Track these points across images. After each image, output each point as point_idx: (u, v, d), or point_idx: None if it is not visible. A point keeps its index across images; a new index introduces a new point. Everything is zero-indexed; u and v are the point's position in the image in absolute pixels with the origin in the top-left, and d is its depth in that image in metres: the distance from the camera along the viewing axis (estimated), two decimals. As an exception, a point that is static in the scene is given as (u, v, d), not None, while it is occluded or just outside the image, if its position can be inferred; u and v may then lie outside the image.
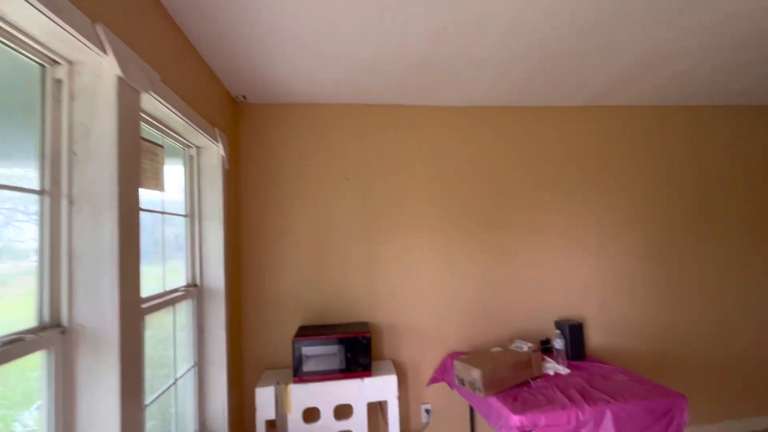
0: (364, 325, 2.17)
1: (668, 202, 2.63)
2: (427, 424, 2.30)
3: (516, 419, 1.52)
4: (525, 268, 2.47)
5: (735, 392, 2.60)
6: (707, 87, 2.36)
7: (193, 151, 1.85)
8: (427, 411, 2.31)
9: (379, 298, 2.33)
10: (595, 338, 2.50)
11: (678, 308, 2.58)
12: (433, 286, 2.38)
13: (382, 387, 1.97)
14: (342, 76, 1.99)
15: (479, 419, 2.34)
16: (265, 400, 1.86)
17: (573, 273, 2.51)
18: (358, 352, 1.97)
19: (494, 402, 1.68)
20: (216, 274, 1.84)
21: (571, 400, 1.63)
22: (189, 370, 1.73)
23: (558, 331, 2.14)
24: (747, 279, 2.67)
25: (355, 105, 2.39)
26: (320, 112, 2.37)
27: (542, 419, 1.52)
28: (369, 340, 1.98)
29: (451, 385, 2.14)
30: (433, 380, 2.28)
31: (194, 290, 1.78)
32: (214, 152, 1.86)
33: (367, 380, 1.96)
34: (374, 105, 2.41)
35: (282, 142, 2.33)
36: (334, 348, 1.97)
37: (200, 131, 1.62)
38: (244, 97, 2.24)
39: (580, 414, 1.55)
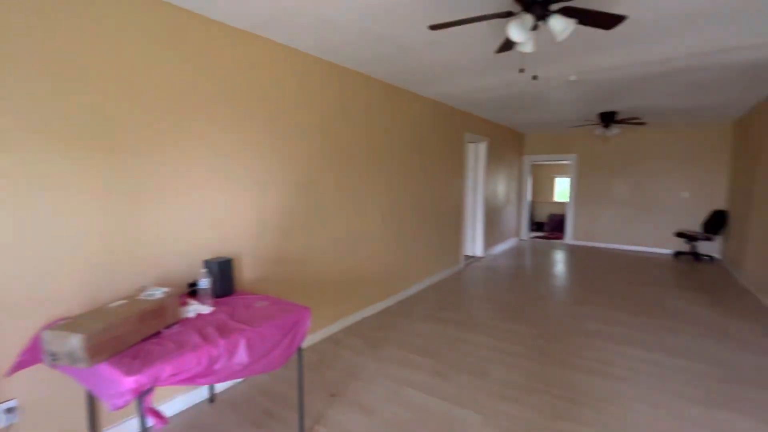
0: None
1: (315, 146, 2.98)
2: (8, 427, 1.59)
3: (130, 381, 1.22)
4: (174, 205, 2.10)
5: (353, 295, 3.44)
6: (359, 52, 2.74)
7: None
8: (10, 410, 1.59)
9: None
10: (250, 271, 2.54)
11: (311, 236, 3.04)
12: (33, 230, 1.59)
13: None
14: None
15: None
16: None
17: (230, 209, 2.39)
18: None
19: (104, 369, 1.30)
20: None
21: (205, 339, 1.50)
22: None
23: (205, 271, 1.97)
24: (360, 212, 3.51)
25: None
26: None
27: (167, 370, 1.31)
28: None
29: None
30: (20, 365, 1.57)
31: None
32: None
33: None
34: None
35: None
36: None
37: None
38: None
39: (212, 351, 1.44)
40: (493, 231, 6.80)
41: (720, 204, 6.38)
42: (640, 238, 7.11)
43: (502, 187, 7.10)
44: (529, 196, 8.42)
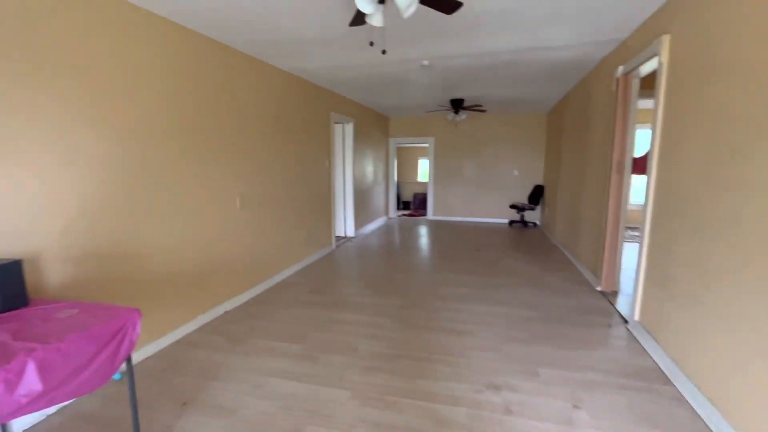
0: None
1: (155, 117, 2.48)
2: None
3: None
4: None
5: (211, 288, 3.06)
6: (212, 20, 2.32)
7: None
8: None
9: None
10: (58, 274, 2.00)
11: (152, 224, 2.58)
12: None
13: None
14: None
15: None
16: None
17: (23, 192, 1.81)
18: None
19: None
20: None
21: (-36, 371, 1.09)
22: None
23: (-27, 279, 1.45)
24: (216, 195, 3.13)
25: None
26: None
27: None
28: None
29: None
30: None
31: None
32: None
33: None
34: None
35: None
36: None
37: None
38: None
39: (-25, 386, 1.06)
40: (363, 211, 7.00)
41: (539, 180, 7.85)
42: (484, 210, 8.28)
43: (370, 168, 7.31)
44: (395, 176, 8.92)
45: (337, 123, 5.93)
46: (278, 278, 4.12)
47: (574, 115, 5.09)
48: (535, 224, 7.76)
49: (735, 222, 1.69)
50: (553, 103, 6.53)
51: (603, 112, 3.82)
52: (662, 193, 2.44)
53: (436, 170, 8.48)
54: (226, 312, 3.26)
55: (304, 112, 4.61)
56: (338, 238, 6.25)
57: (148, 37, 2.45)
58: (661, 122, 2.50)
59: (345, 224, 6.40)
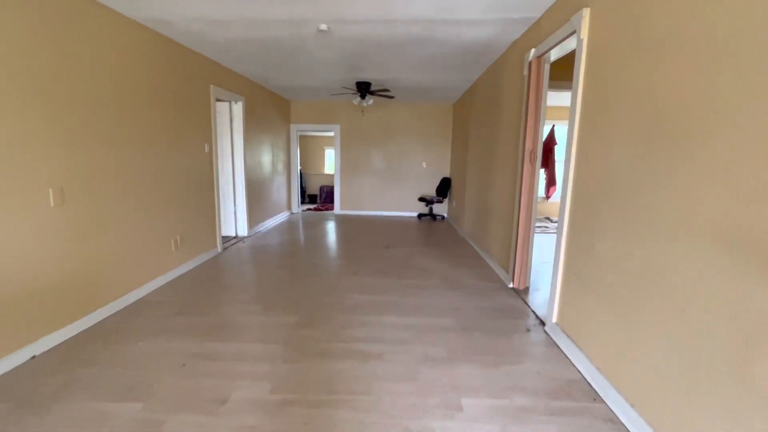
0: None
1: None
2: None
3: None
4: None
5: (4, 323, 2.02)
6: None
7: None
8: None
9: None
10: None
11: None
12: None
13: None
14: None
15: None
16: None
17: None
18: None
19: None
20: None
21: None
22: None
23: None
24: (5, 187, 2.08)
25: None
26: None
27: None
28: None
29: None
30: None
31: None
32: None
33: None
34: None
35: None
36: None
37: None
38: None
39: None
40: (259, 206, 6.09)
41: (446, 172, 7.80)
42: (393, 204, 7.98)
43: (267, 157, 6.41)
44: (298, 167, 8.10)
45: (221, 100, 4.93)
46: (133, 297, 3.11)
47: (482, 105, 4.95)
48: (443, 217, 7.70)
49: (661, 216, 1.43)
50: (459, 94, 6.42)
51: (513, 99, 3.63)
52: (583, 186, 2.22)
53: (343, 161, 7.90)
54: (33, 357, 2.23)
55: (172, 82, 3.59)
56: (226, 238, 5.28)
57: None
58: (580, 109, 2.27)
59: (236, 222, 5.45)
